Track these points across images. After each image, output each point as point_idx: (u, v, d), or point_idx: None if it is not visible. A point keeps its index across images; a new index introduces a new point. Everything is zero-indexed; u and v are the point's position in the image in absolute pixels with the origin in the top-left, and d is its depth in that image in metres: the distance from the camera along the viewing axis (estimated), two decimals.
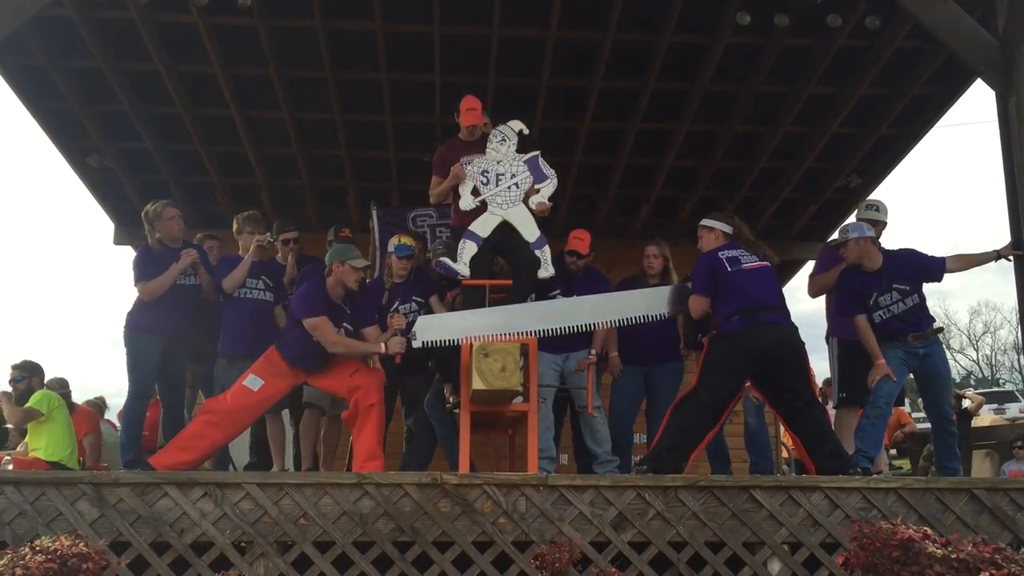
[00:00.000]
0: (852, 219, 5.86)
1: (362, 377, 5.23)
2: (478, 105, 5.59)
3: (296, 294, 5.47)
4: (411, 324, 5.32)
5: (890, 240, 5.83)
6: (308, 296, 5.20)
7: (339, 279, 5.20)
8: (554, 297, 5.73)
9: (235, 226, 6.21)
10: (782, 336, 4.98)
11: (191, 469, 4.89)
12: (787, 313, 5.14)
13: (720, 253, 5.15)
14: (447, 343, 5.00)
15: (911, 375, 5.59)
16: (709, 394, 4.86)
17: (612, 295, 5.48)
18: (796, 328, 5.07)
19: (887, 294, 5.39)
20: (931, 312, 5.54)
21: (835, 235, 5.65)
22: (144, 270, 5.65)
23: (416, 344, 5.03)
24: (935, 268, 5.47)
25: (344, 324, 5.24)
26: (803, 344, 5.07)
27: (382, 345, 5.14)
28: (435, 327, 5.07)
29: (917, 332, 5.40)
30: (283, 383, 5.23)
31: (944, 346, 5.98)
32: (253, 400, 5.13)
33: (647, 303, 5.38)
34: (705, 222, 5.42)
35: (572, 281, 5.84)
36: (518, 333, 5.01)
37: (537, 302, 5.54)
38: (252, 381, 5.13)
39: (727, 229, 5.29)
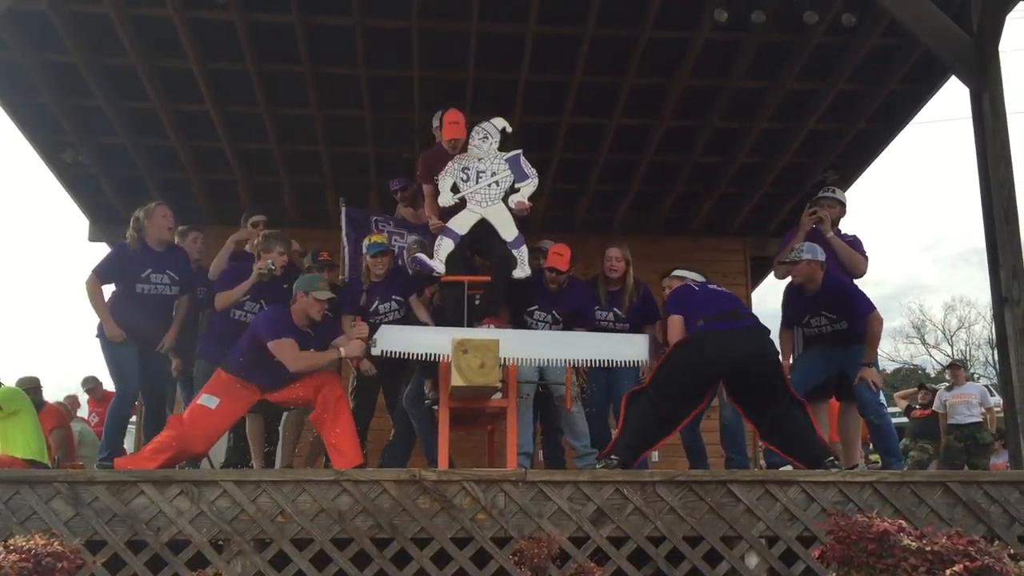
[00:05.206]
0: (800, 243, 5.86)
1: (320, 375, 5.21)
2: (461, 119, 5.52)
3: (261, 316, 5.38)
4: (375, 327, 5.26)
5: (867, 238, 5.97)
6: (274, 320, 5.20)
7: (304, 309, 5.21)
8: (531, 313, 5.73)
9: (259, 243, 5.80)
10: (749, 342, 4.95)
11: None
12: (755, 318, 5.24)
13: (688, 282, 5.48)
14: (405, 355, 4.96)
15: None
16: (658, 395, 4.84)
17: (615, 337, 5.42)
18: (766, 331, 5.10)
19: (817, 317, 5.63)
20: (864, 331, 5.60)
21: (791, 252, 5.68)
22: (108, 270, 5.60)
23: (375, 351, 4.99)
24: (858, 315, 5.55)
25: (312, 348, 5.20)
26: (776, 352, 5.13)
27: (341, 350, 5.17)
28: (397, 338, 5.02)
29: (841, 348, 5.61)
30: (240, 402, 5.19)
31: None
32: (215, 416, 5.09)
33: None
34: (677, 272, 5.68)
35: (552, 296, 5.76)
36: None
37: (520, 331, 5.49)
38: (208, 400, 5.09)
39: (698, 278, 5.59)
